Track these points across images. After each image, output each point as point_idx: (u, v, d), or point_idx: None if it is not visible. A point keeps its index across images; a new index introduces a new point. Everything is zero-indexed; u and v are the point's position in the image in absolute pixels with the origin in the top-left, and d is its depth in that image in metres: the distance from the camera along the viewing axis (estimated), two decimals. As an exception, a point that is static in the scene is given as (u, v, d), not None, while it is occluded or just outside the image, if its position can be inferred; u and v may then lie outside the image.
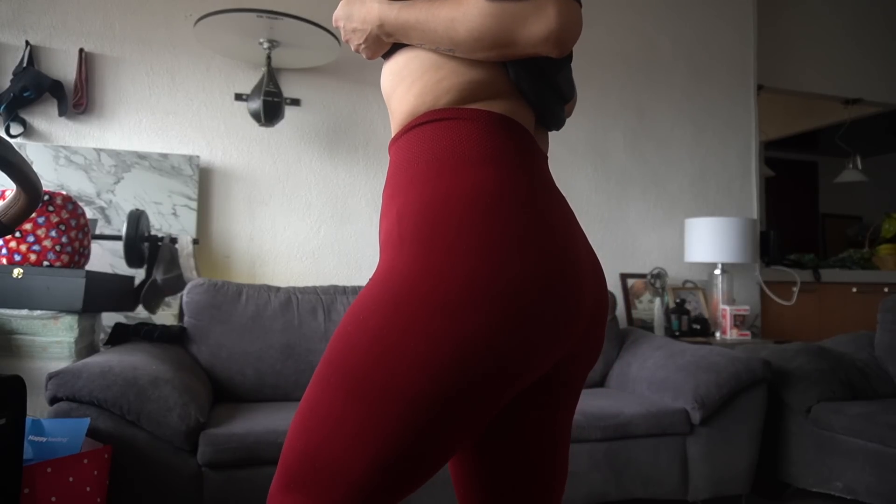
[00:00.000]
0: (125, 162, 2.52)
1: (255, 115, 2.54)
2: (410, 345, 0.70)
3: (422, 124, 0.82)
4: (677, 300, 3.15)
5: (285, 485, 0.74)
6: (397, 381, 0.70)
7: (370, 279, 0.80)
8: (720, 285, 3.17)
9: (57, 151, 2.45)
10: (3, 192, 1.93)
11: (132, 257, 2.24)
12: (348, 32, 0.90)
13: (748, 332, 3.08)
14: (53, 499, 1.45)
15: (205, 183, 2.66)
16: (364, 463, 0.70)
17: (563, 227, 0.78)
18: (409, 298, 0.72)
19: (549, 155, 3.04)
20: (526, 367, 0.74)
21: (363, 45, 0.89)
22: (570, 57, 0.88)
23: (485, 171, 0.77)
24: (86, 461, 1.52)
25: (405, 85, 0.85)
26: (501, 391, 0.73)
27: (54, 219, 1.93)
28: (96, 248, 2.40)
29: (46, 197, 1.93)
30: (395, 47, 0.87)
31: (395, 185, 0.82)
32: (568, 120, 3.19)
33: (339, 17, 0.91)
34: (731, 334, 3.06)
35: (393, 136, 0.87)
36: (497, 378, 0.72)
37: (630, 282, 3.22)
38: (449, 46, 0.79)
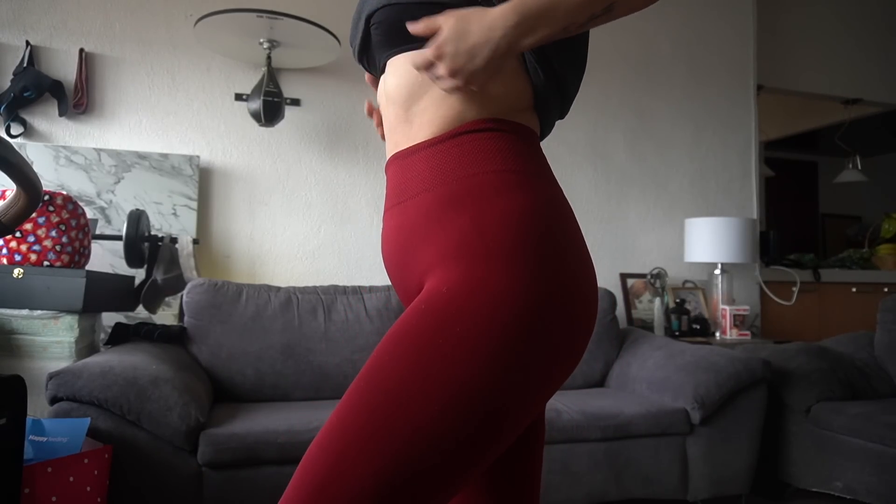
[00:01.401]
0: (125, 162, 2.52)
1: (255, 115, 2.54)
2: (518, 356, 0.69)
3: (475, 132, 0.78)
4: (677, 300, 3.15)
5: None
6: (512, 397, 0.69)
7: (441, 290, 0.72)
8: (720, 285, 3.17)
9: (57, 151, 2.45)
10: (4, 192, 1.93)
11: (132, 257, 2.24)
12: (461, 57, 0.73)
13: (748, 332, 3.08)
14: (54, 498, 1.45)
15: (205, 183, 2.66)
16: (432, 478, 0.67)
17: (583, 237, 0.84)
18: (513, 312, 0.70)
19: (549, 154, 3.05)
20: (562, 380, 0.77)
21: (482, 67, 0.74)
22: (582, 72, 0.88)
23: (551, 187, 0.79)
24: (86, 461, 1.52)
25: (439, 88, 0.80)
26: (545, 400, 0.76)
27: (54, 219, 1.93)
28: (96, 248, 2.40)
29: (47, 197, 1.93)
30: (419, 44, 0.80)
31: (454, 193, 0.76)
32: (568, 120, 3.20)
33: (447, 41, 0.73)
34: (731, 334, 3.06)
35: (423, 139, 0.81)
36: (561, 380, 0.76)
37: (630, 282, 3.22)
38: (606, 5, 0.72)
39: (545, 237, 0.74)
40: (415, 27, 0.75)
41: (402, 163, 0.84)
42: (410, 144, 0.83)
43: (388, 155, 0.89)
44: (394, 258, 0.86)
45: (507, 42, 0.72)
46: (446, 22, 0.73)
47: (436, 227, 0.77)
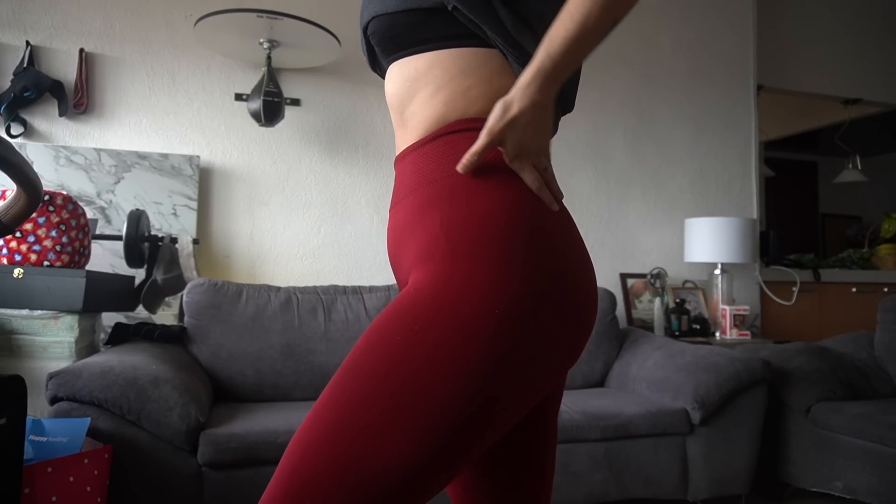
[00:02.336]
0: (125, 162, 2.52)
1: (256, 115, 2.54)
2: (477, 355, 0.68)
3: (454, 132, 0.80)
4: (677, 300, 3.15)
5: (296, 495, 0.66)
6: (463, 391, 0.68)
7: (410, 291, 0.73)
8: (720, 285, 3.17)
9: (57, 151, 2.45)
10: (4, 192, 1.93)
11: (132, 257, 2.24)
12: (518, 132, 0.73)
13: (748, 332, 3.08)
14: (54, 498, 1.45)
15: (205, 183, 2.66)
16: (406, 474, 0.66)
17: (579, 236, 0.81)
18: (472, 311, 0.69)
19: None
20: (556, 379, 0.76)
21: (534, 125, 0.73)
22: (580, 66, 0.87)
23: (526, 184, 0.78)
24: (86, 461, 1.52)
25: (427, 91, 0.82)
26: (536, 398, 0.75)
27: (55, 219, 1.93)
28: (96, 248, 2.40)
29: (47, 197, 1.93)
30: (409, 51, 0.83)
31: (432, 194, 0.78)
32: (568, 120, 3.19)
33: (501, 130, 0.73)
34: (731, 334, 3.06)
35: (413, 141, 0.83)
36: (542, 386, 0.74)
37: (630, 282, 3.22)
38: (613, 24, 0.74)
39: (517, 235, 0.73)
40: (463, 167, 0.76)
41: (399, 165, 0.87)
42: (404, 147, 0.86)
43: (395, 153, 0.92)
44: (391, 258, 0.88)
45: (544, 98, 0.74)
46: (500, 126, 0.73)
47: (416, 228, 0.78)
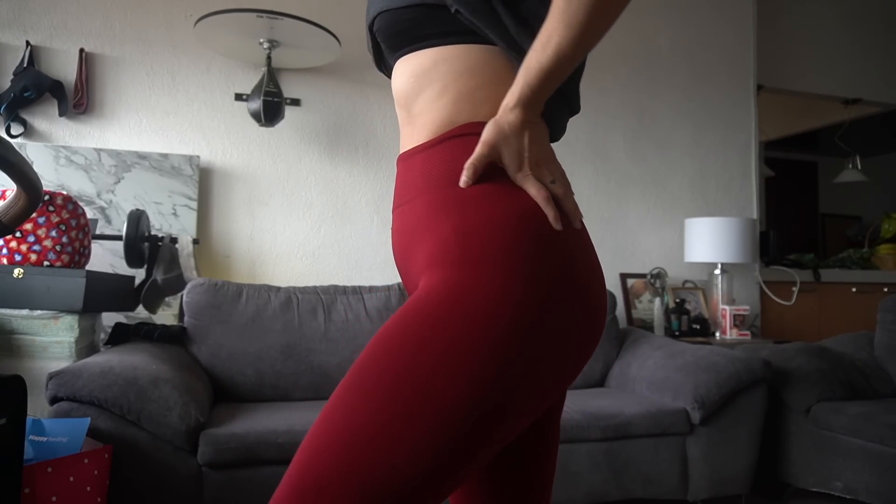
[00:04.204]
0: (125, 162, 2.52)
1: (255, 115, 2.54)
2: (488, 361, 0.68)
3: (464, 135, 0.79)
4: (677, 300, 3.15)
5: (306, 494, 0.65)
6: (473, 397, 0.67)
7: (421, 295, 0.73)
8: (720, 285, 3.17)
9: (57, 151, 2.45)
10: (4, 192, 1.93)
11: (132, 257, 2.24)
12: (513, 142, 0.75)
13: (748, 332, 3.08)
14: (54, 498, 1.45)
15: (205, 183, 2.66)
16: (416, 480, 0.66)
17: (591, 242, 0.82)
18: (483, 317, 0.69)
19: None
20: (566, 385, 0.77)
21: (529, 135, 0.75)
22: (583, 65, 0.86)
23: None
24: (86, 461, 1.52)
25: (434, 90, 0.81)
26: (546, 404, 0.75)
27: (55, 219, 1.93)
28: (96, 248, 2.40)
29: (47, 197, 1.93)
30: (414, 46, 0.83)
31: (442, 198, 0.77)
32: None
33: (495, 142, 0.74)
34: (731, 334, 3.06)
35: (421, 142, 0.83)
36: (552, 392, 0.74)
37: (630, 282, 3.22)
38: (587, 50, 0.74)
39: (529, 242, 0.72)
40: (464, 182, 0.76)
41: (404, 164, 0.86)
42: (411, 146, 0.85)
43: (399, 152, 0.92)
44: (398, 261, 0.88)
45: (529, 120, 0.75)
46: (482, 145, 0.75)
47: (425, 233, 0.78)
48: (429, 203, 0.79)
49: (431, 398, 0.67)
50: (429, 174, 0.80)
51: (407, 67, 0.84)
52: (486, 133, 0.75)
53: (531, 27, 0.79)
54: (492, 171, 0.76)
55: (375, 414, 0.66)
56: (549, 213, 0.74)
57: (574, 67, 0.75)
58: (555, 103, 0.84)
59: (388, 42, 0.86)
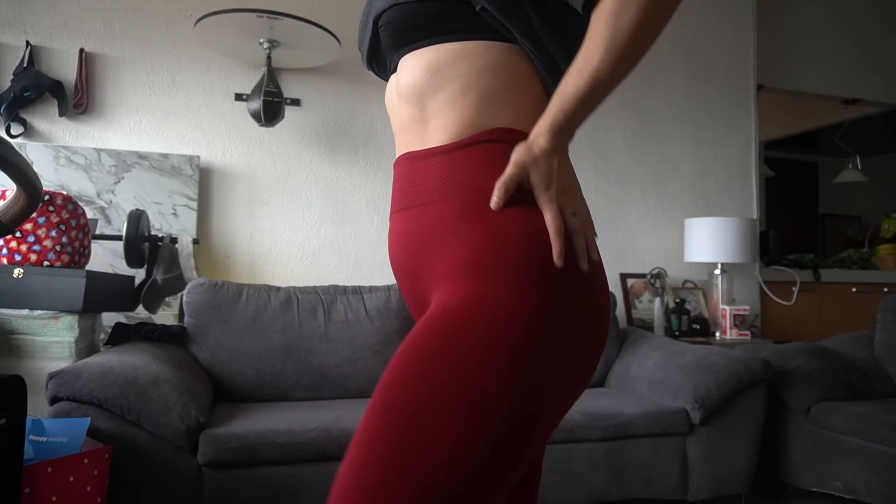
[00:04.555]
0: (125, 162, 2.52)
1: (255, 115, 2.54)
2: (527, 372, 0.69)
3: (489, 142, 0.77)
4: (677, 300, 3.15)
5: None
6: (516, 407, 0.69)
7: (454, 306, 0.72)
8: (720, 285, 3.17)
9: (57, 151, 2.45)
10: (4, 192, 1.93)
11: (132, 257, 2.24)
12: (542, 165, 0.74)
13: (748, 332, 3.08)
14: (54, 498, 1.45)
15: (205, 183, 2.66)
16: (467, 486, 0.66)
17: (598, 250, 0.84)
18: (521, 330, 0.70)
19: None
20: (588, 382, 0.79)
21: (559, 162, 0.74)
22: None
23: None
24: (86, 461, 1.52)
25: (454, 88, 0.78)
26: (567, 410, 0.78)
27: (55, 219, 1.93)
28: (96, 248, 2.40)
29: (47, 197, 1.93)
30: (429, 41, 0.79)
31: (468, 205, 0.75)
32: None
33: (525, 163, 0.73)
34: (731, 334, 3.06)
35: (438, 143, 0.80)
36: (581, 389, 0.77)
37: (630, 282, 3.22)
38: (624, 76, 0.73)
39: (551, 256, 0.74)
40: (495, 204, 0.74)
41: (414, 165, 0.82)
42: (424, 147, 0.81)
43: (399, 153, 0.87)
44: (403, 265, 0.85)
45: (560, 148, 0.75)
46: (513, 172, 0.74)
47: (447, 240, 0.76)
48: (452, 209, 0.76)
49: (483, 408, 0.67)
50: (450, 179, 0.78)
51: (421, 62, 0.80)
52: (518, 154, 0.74)
53: (557, 35, 0.79)
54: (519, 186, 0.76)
55: (423, 430, 0.66)
56: (556, 246, 0.73)
57: (608, 95, 0.74)
58: None
59: (397, 36, 0.83)
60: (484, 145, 0.77)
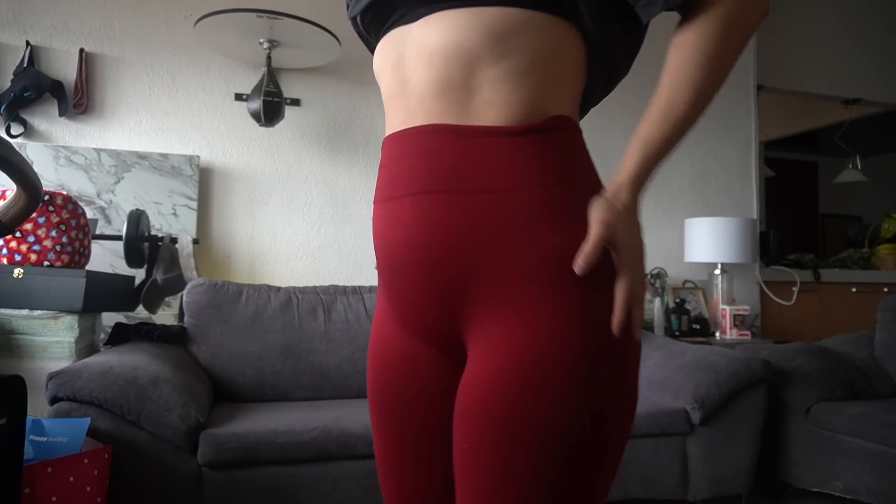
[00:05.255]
0: (125, 162, 2.52)
1: (255, 115, 2.54)
2: (634, 389, 0.71)
3: (557, 130, 0.70)
4: (677, 300, 3.15)
5: None
6: (625, 430, 0.71)
7: (560, 321, 0.67)
8: (720, 285, 3.17)
9: (57, 151, 2.45)
10: (4, 192, 1.93)
11: (132, 257, 2.24)
12: (625, 225, 0.69)
13: (748, 332, 3.08)
14: (54, 498, 1.45)
15: (205, 183, 2.66)
16: None
17: None
18: (630, 350, 0.70)
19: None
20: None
21: (637, 225, 0.71)
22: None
23: None
24: (86, 461, 1.52)
25: (521, 61, 0.68)
26: None
27: (54, 219, 1.93)
28: (96, 248, 2.40)
29: (47, 197, 1.93)
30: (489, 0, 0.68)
31: (543, 203, 0.68)
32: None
33: (612, 222, 0.68)
34: (731, 334, 3.06)
35: (491, 123, 0.69)
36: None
37: (630, 282, 3.22)
38: (722, 82, 0.70)
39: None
40: (580, 269, 0.68)
41: (458, 142, 0.69)
42: (472, 123, 0.69)
43: (410, 124, 0.73)
44: (419, 257, 0.72)
45: (636, 205, 0.73)
46: (623, 263, 0.69)
47: (527, 235, 0.67)
48: (522, 203, 0.67)
49: (624, 434, 0.71)
50: (513, 167, 0.68)
51: (480, 21, 0.67)
52: (602, 211, 0.67)
53: (613, 22, 0.74)
54: (592, 178, 0.74)
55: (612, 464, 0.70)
56: (618, 317, 0.68)
57: (683, 139, 0.71)
58: (590, 104, 0.83)
59: None
60: (552, 134, 0.70)
